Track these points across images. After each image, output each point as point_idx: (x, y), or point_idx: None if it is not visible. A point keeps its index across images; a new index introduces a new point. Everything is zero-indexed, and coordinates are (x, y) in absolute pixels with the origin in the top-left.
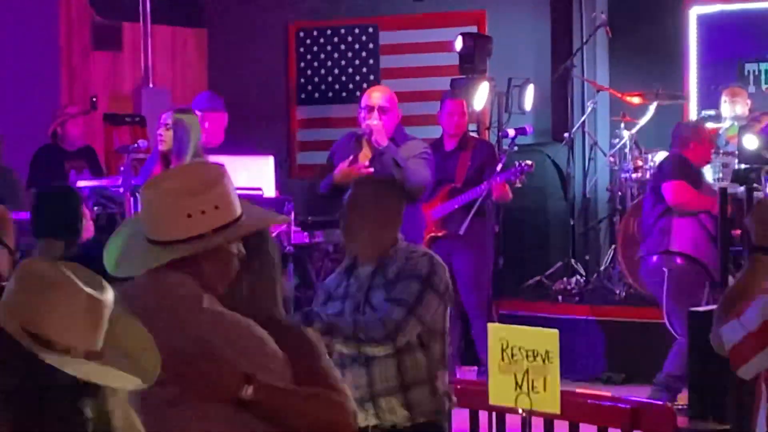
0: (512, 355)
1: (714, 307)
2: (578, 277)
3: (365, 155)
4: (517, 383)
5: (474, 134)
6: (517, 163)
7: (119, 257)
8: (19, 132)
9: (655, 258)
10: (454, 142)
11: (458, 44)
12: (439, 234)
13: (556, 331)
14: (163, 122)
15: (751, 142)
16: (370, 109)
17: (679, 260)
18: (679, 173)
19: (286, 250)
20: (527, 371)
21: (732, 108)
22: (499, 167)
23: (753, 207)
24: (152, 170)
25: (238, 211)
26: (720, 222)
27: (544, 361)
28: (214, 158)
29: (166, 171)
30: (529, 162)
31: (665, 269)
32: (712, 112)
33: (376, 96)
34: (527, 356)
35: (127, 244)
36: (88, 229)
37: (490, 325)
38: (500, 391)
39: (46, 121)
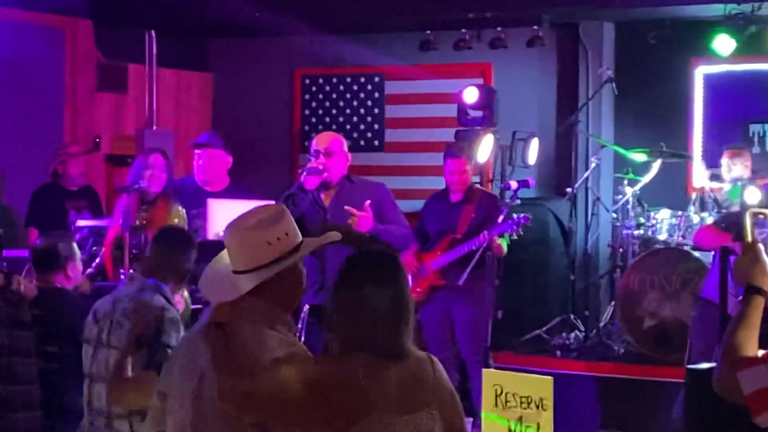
0: (506, 402)
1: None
2: (577, 332)
3: (328, 195)
4: (510, 430)
5: (478, 185)
6: (515, 216)
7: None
8: (21, 170)
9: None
10: (459, 194)
11: (470, 95)
12: (439, 284)
13: (550, 378)
14: (159, 164)
15: (753, 195)
16: (317, 153)
17: (700, 305)
18: (718, 219)
19: None
20: (520, 418)
21: (730, 169)
22: (500, 219)
23: (742, 251)
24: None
25: (300, 235)
26: (720, 281)
27: (537, 408)
28: (217, 201)
29: (242, 214)
30: (527, 215)
31: (692, 314)
32: (717, 172)
33: (322, 139)
34: (521, 403)
35: (213, 276)
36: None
37: (484, 371)
38: None
39: (49, 159)
